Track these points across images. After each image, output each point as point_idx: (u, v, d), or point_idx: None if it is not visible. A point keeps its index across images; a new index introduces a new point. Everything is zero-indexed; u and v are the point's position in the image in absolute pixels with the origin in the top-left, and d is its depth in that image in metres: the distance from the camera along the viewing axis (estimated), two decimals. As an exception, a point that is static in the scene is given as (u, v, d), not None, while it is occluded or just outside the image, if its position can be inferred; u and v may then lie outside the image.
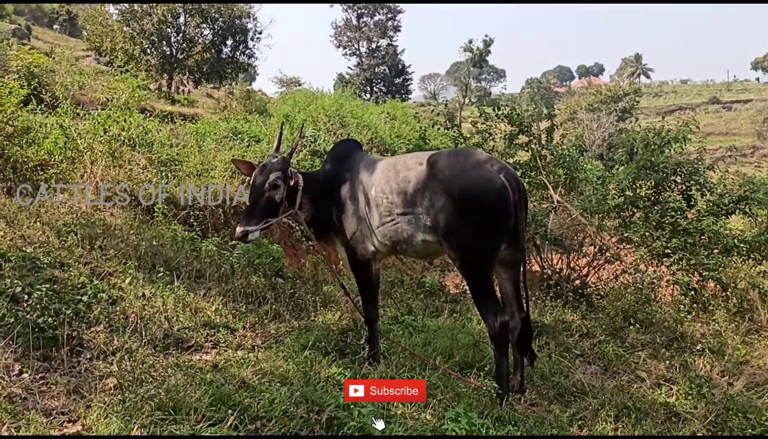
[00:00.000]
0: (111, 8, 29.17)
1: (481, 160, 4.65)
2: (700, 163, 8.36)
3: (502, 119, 8.86)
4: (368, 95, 47.43)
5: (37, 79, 14.50)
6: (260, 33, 30.77)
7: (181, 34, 28.79)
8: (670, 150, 8.15)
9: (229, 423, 3.33)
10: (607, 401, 4.72)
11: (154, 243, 7.45)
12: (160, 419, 3.27)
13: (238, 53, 30.62)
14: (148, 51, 28.20)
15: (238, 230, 5.04)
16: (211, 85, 38.82)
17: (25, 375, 3.98)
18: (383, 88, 48.80)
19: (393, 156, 5.47)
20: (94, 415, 3.34)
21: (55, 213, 7.90)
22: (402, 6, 50.14)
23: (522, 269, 4.79)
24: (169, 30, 28.39)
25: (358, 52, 50.33)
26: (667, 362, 5.56)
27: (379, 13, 49.56)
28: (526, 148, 8.75)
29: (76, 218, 7.80)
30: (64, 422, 3.41)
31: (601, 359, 5.82)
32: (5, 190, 8.54)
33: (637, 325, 6.32)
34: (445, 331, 5.86)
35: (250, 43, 30.78)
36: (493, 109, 8.90)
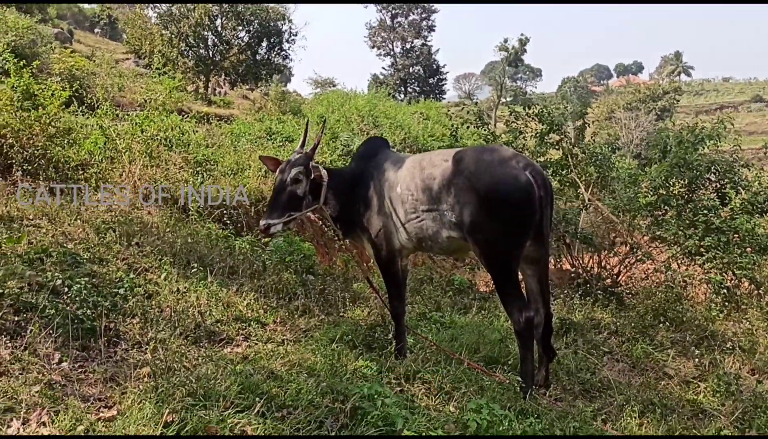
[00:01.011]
0: (149, 11, 29.79)
1: (506, 156, 4.69)
2: (735, 161, 8.22)
3: (532, 118, 8.85)
4: (402, 96, 47.51)
5: (78, 82, 14.91)
6: (295, 35, 31.11)
7: (217, 37, 29.27)
8: (703, 148, 8.05)
9: (256, 410, 3.44)
10: (633, 397, 4.73)
11: (189, 240, 7.63)
12: (190, 405, 3.38)
13: (273, 55, 31.01)
14: (186, 53, 28.72)
15: (261, 223, 5.20)
16: (247, 87, 39.29)
17: (64, 364, 4.15)
18: (417, 88, 48.84)
19: (420, 154, 5.52)
20: (128, 401, 3.47)
21: (94, 212, 8.12)
22: (436, 6, 50.19)
23: (547, 266, 4.82)
24: (205, 32, 28.88)
25: (392, 53, 50.46)
26: (696, 360, 5.53)
27: (414, 13, 49.60)
28: (557, 147, 8.72)
29: (114, 216, 8.04)
30: (100, 407, 3.55)
31: (629, 357, 5.80)
32: (48, 189, 8.83)
33: (667, 323, 6.27)
34: (472, 327, 5.90)
35: (285, 45, 31.14)
36: (524, 108, 8.91)
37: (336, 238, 9.41)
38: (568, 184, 8.59)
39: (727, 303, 6.68)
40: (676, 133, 8.53)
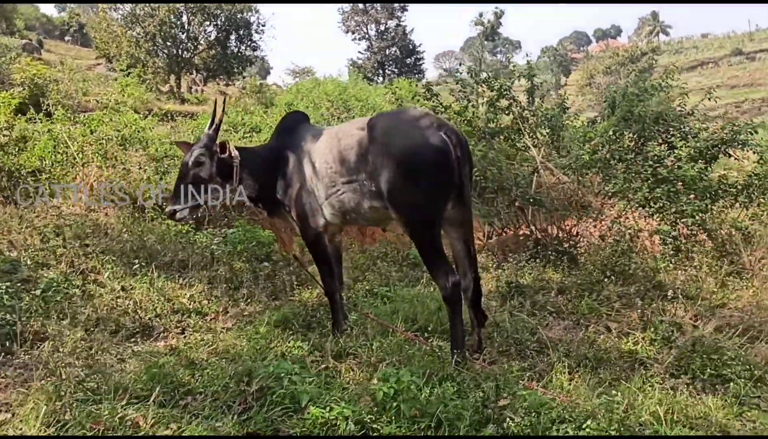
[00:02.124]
0: (114, 13, 29.41)
1: (418, 117, 4.57)
2: (682, 112, 8.11)
3: (480, 85, 8.74)
4: (381, 79, 47.16)
5: (40, 90, 14.75)
6: (263, 25, 30.78)
7: (185, 33, 28.96)
8: (650, 100, 7.95)
9: (153, 398, 3.35)
10: (567, 354, 4.65)
11: (143, 239, 7.51)
12: (81, 400, 3.30)
13: (243, 47, 30.71)
14: (154, 53, 28.42)
15: (167, 209, 5.09)
16: (224, 83, 39.03)
17: (-20, 370, 4.06)
18: (395, 70, 48.43)
19: (336, 125, 5.40)
20: (27, 403, 3.38)
21: (46, 217, 7.98)
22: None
23: (470, 228, 4.71)
24: (173, 30, 28.56)
25: (367, 36, 49.93)
26: (639, 311, 5.44)
27: (385, -6, 49.23)
28: (507, 112, 8.62)
29: (66, 221, 7.92)
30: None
31: (575, 314, 5.73)
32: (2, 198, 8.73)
33: (614, 277, 6.19)
34: (414, 299, 5.80)
35: (255, 36, 30.84)
36: (471, 76, 8.81)
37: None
38: (520, 148, 8.49)
39: (677, 253, 6.60)
40: (622, 87, 8.42)
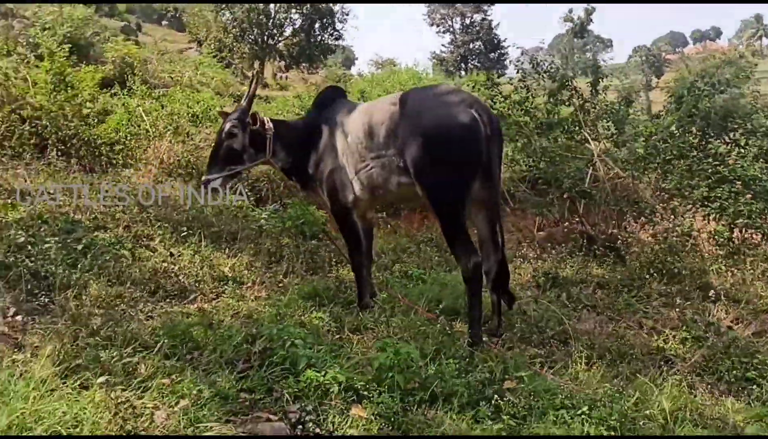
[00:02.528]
0: (206, -1, 30.48)
1: (449, 93, 4.57)
2: (753, 108, 7.69)
3: (542, 76, 8.60)
4: (463, 72, 46.83)
5: (129, 67, 15.46)
6: (347, 14, 31.19)
7: (271, 20, 29.68)
8: (717, 95, 7.58)
9: (157, 349, 3.50)
10: (591, 346, 4.54)
11: (201, 211, 7.73)
12: (90, 344, 3.48)
13: (326, 36, 31.20)
14: (240, 38, 29.26)
15: (203, 179, 5.26)
16: (308, 70, 39.74)
17: (19, 317, 4.31)
18: (478, 64, 48.03)
19: (371, 101, 5.42)
20: (47, 346, 3.56)
21: (115, 185, 8.36)
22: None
23: (498, 209, 4.65)
24: (260, 16, 29.31)
25: (451, 29, 49.78)
26: (678, 310, 5.25)
27: (473, -14, 48.79)
28: (568, 104, 8.44)
29: (134, 190, 8.32)
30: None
31: (610, 310, 5.58)
32: (81, 167, 9.24)
33: (659, 276, 5.99)
34: (445, 282, 5.78)
35: (338, 26, 31.30)
36: (533, 66, 8.66)
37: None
38: (579, 141, 8.29)
39: (732, 255, 6.30)
40: (690, 81, 8.07)
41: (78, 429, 2.62)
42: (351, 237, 5.34)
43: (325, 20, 30.84)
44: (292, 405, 3.19)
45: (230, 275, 6.08)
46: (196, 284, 5.75)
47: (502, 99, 8.73)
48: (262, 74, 30.74)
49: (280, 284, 5.93)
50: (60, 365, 3.17)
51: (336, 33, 31.47)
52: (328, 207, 5.45)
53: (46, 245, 5.17)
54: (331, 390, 3.26)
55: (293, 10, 30.11)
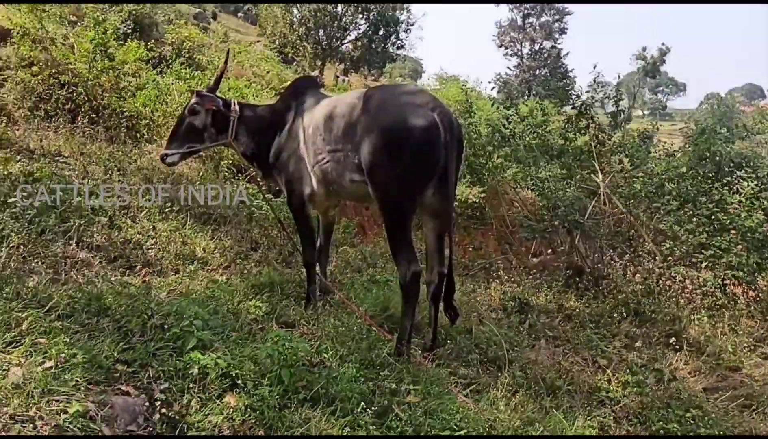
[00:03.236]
0: (277, -6, 31.07)
1: (413, 93, 4.42)
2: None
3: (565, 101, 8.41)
4: (526, 97, 46.33)
5: (187, 51, 15.85)
6: (412, 24, 31.27)
7: (336, 23, 30.00)
8: (732, 140, 7.22)
9: (54, 307, 3.50)
10: (525, 375, 4.35)
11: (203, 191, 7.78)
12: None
13: (388, 44, 31.33)
14: (305, 37, 29.68)
15: (161, 153, 5.26)
16: (373, 77, 40.03)
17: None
18: (542, 90, 47.26)
19: (340, 94, 5.33)
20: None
21: (137, 161, 8.50)
22: (570, 7, 48.37)
23: (450, 221, 4.48)
24: (326, 18, 29.68)
25: (519, 54, 49.35)
26: (636, 353, 4.99)
27: (546, 14, 48.23)
28: (584, 132, 8.19)
29: (148, 164, 8.48)
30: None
31: (570, 343, 5.35)
32: (107, 137, 9.47)
33: (631, 316, 5.73)
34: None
35: (402, 35, 31.39)
36: (558, 91, 8.47)
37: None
38: (590, 171, 8.04)
39: (716, 307, 5.96)
40: (704, 123, 7.74)
41: None
42: (304, 230, 5.25)
43: (389, 28, 30.94)
44: (161, 383, 3.12)
45: (200, 255, 6.08)
46: (163, 260, 5.76)
47: (519, 119, 8.54)
48: (322, 75, 31.11)
49: (244, 271, 5.88)
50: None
51: (398, 42, 31.55)
52: (285, 197, 5.38)
53: (13, 200, 5.23)
54: (209, 375, 3.18)
55: (360, 16, 30.34)
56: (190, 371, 3.19)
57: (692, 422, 3.90)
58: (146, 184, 7.72)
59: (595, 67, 8.96)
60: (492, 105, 8.76)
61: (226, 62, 5.53)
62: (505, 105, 8.72)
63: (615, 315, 5.79)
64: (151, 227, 6.48)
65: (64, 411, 2.65)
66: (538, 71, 48.08)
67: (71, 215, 5.72)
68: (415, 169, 4.21)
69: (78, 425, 2.62)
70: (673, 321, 5.76)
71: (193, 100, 5.24)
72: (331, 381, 3.41)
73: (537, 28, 48.35)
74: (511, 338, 5.05)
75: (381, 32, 30.83)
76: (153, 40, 17.46)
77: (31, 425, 2.57)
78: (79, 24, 12.31)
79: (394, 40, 31.29)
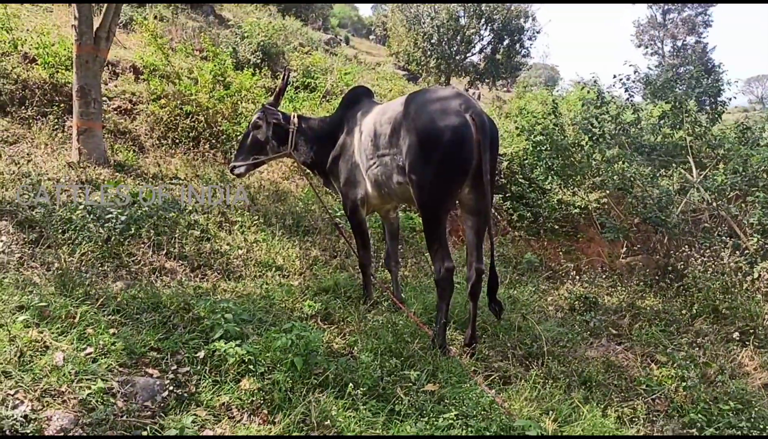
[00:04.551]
0: (400, 14, 31.72)
1: (447, 96, 4.54)
2: None
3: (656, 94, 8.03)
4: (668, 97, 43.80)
5: (311, 76, 16.75)
6: (538, 32, 30.72)
7: (459, 36, 30.12)
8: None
9: (112, 308, 3.98)
10: (562, 369, 4.29)
11: (302, 205, 8.31)
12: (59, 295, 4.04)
13: (513, 53, 30.96)
14: (429, 53, 30.05)
15: (230, 165, 5.68)
16: (504, 88, 39.76)
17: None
18: (689, 90, 44.49)
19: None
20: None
21: (245, 181, 9.17)
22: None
23: (487, 218, 4.52)
24: (449, 32, 29.89)
25: (660, 52, 46.81)
26: (699, 349, 4.73)
27: (689, 8, 45.44)
28: (679, 127, 7.78)
29: (260, 182, 9.17)
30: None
31: (633, 340, 5.17)
32: (226, 161, 10.27)
33: (707, 313, 5.41)
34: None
35: (527, 43, 30.93)
36: (647, 85, 8.10)
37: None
38: (683, 168, 7.61)
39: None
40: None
41: None
42: (359, 233, 5.52)
43: (514, 37, 30.60)
44: (184, 367, 3.47)
45: (279, 263, 6.48)
46: (242, 268, 6.21)
47: (609, 117, 8.26)
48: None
49: (317, 276, 6.20)
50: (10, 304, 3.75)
51: (524, 51, 31.10)
52: (341, 203, 5.66)
53: (110, 216, 5.86)
54: (227, 361, 3.49)
55: (483, 27, 30.26)
56: (211, 358, 3.52)
57: (731, 416, 3.69)
58: (250, 201, 8.35)
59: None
60: (593, 105, 8.41)
61: (283, 80, 5.93)
62: (595, 104, 8.47)
63: (685, 312, 5.51)
64: (242, 238, 7.01)
65: (89, 388, 3.05)
66: (681, 69, 45.40)
67: (166, 229, 6.34)
68: (447, 168, 4.36)
69: (99, 400, 3.02)
70: (751, 318, 5.38)
71: (255, 116, 5.69)
72: (346, 369, 3.61)
73: (679, 23, 45.74)
74: (564, 335, 4.98)
75: (506, 42, 30.56)
76: (281, 68, 18.58)
77: (59, 398, 2.99)
78: (200, 57, 13.42)
79: (519, 49, 30.92)
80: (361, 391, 3.47)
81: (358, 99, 5.65)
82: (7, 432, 2.67)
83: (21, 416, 2.76)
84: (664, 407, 4.00)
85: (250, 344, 3.74)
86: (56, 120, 9.25)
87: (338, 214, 7.33)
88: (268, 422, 3.16)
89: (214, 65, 11.40)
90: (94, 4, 8.69)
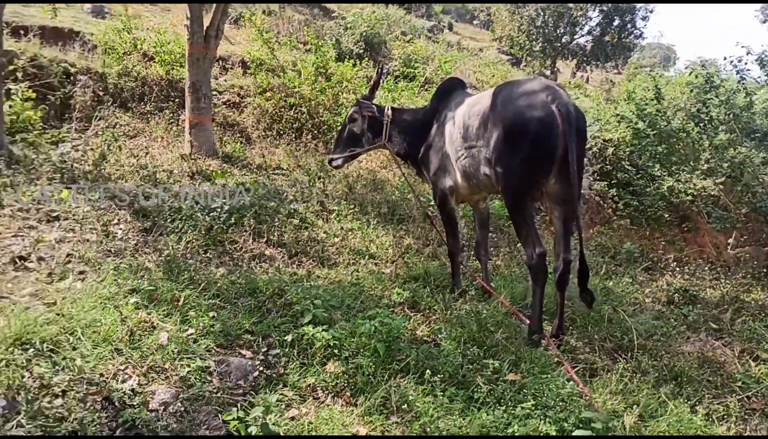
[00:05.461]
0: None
1: (534, 88, 4.53)
2: None
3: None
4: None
5: (413, 64, 16.92)
6: (651, 11, 29.39)
7: (565, 18, 29.31)
8: None
9: (212, 292, 4.28)
10: (652, 363, 4.22)
11: (398, 194, 8.51)
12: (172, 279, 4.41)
13: (624, 34, 29.78)
14: (533, 36, 29.44)
15: (328, 157, 5.88)
16: (615, 70, 38.35)
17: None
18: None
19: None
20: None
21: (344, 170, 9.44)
22: None
23: (574, 208, 4.49)
24: (554, 14, 29.16)
25: (788, 26, 43.41)
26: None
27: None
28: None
29: (353, 172, 9.43)
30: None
31: (733, 335, 4.99)
32: (327, 151, 10.63)
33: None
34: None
35: (639, 23, 29.66)
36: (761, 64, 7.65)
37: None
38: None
39: None
40: None
41: (91, 330, 3.47)
42: (448, 222, 5.62)
43: (625, 18, 29.41)
44: (274, 350, 3.71)
45: (373, 251, 6.67)
46: (336, 255, 6.45)
47: (718, 101, 7.86)
48: (558, 72, 30.62)
49: (409, 264, 6.34)
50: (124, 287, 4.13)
51: (636, 31, 29.83)
52: (431, 192, 5.77)
53: (215, 205, 6.24)
54: (314, 345, 3.70)
55: (592, 7, 29.28)
56: (299, 341, 3.74)
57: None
58: (347, 190, 8.61)
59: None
60: (701, 89, 7.98)
61: (377, 73, 6.10)
62: (704, 89, 8.07)
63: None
64: (339, 227, 7.26)
65: (188, 366, 3.34)
66: (811, 44, 42.07)
67: (267, 218, 6.68)
68: (533, 158, 4.38)
69: (197, 377, 3.30)
70: None
71: (351, 110, 5.90)
72: (427, 356, 3.73)
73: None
74: (658, 329, 4.87)
75: (616, 23, 29.45)
76: (383, 57, 18.84)
77: (163, 374, 3.29)
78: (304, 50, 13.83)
79: (631, 30, 29.70)
80: (441, 378, 3.58)
81: (451, 90, 5.72)
82: (116, 403, 2.99)
83: (129, 390, 3.08)
84: (760, 406, 3.86)
85: (337, 329, 3.93)
86: (171, 114, 9.84)
87: (430, 203, 7.42)
88: (350, 404, 3.34)
89: (317, 57, 11.72)
90: (204, 4, 9.16)
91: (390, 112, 5.90)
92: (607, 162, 9.28)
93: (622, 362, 4.26)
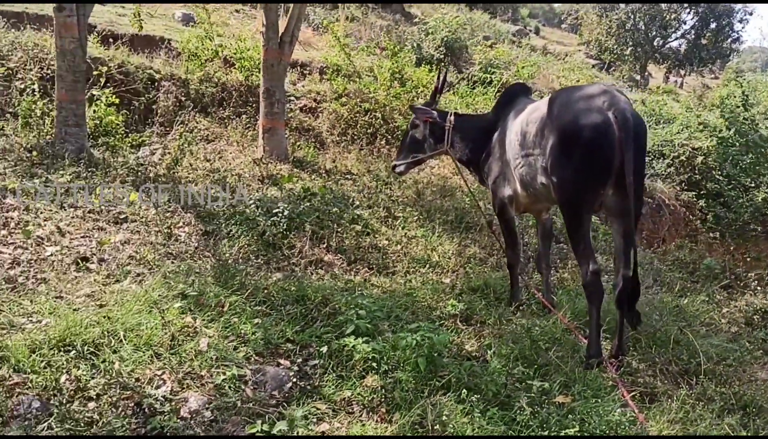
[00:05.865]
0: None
1: (592, 94, 4.30)
2: None
3: None
4: None
5: (494, 69, 16.69)
6: (750, 14, 27.81)
7: (657, 22, 28.14)
8: None
9: (259, 299, 4.27)
10: (718, 390, 3.90)
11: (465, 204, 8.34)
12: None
13: (720, 38, 28.30)
14: (622, 41, 28.41)
15: (392, 163, 5.79)
16: (712, 75, 36.70)
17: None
18: None
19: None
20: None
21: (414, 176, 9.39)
22: None
23: (634, 221, 4.22)
24: (645, 17, 28.07)
25: None
26: None
27: None
28: None
29: (428, 178, 9.36)
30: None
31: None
32: (387, 150, 10.59)
33: None
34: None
35: (737, 26, 28.13)
36: None
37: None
38: None
39: None
40: None
41: (134, 333, 3.51)
42: (507, 231, 5.47)
43: (721, 20, 27.96)
44: (313, 360, 3.64)
45: (435, 259, 6.54)
46: (396, 261, 6.35)
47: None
48: (650, 77, 29.50)
49: (469, 274, 6.18)
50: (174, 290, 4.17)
51: (734, 34, 28.30)
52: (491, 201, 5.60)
53: (276, 210, 6.25)
54: (354, 354, 3.61)
55: (685, 11, 28.01)
56: (339, 352, 3.66)
57: None
58: (416, 196, 8.53)
59: None
60: None
61: (439, 79, 5.99)
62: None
63: None
64: (403, 234, 7.16)
65: (224, 374, 3.32)
66: None
67: (329, 223, 6.65)
68: (588, 167, 4.18)
69: (231, 386, 3.27)
70: None
71: (413, 116, 5.82)
72: (470, 373, 3.57)
73: None
74: (732, 352, 4.52)
75: (712, 26, 28.00)
76: (464, 62, 18.69)
77: (198, 381, 3.28)
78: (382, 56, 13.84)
79: (728, 33, 28.17)
80: (480, 397, 3.42)
81: (514, 96, 5.56)
82: (146, 410, 2.99)
83: (161, 396, 3.07)
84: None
85: (379, 341, 3.83)
86: (248, 119, 10.04)
87: (492, 212, 7.23)
88: (385, 420, 3.23)
89: (393, 63, 11.71)
90: (281, 12, 9.30)
91: (452, 117, 5.78)
92: (696, 171, 8.82)
93: (685, 387, 3.96)
